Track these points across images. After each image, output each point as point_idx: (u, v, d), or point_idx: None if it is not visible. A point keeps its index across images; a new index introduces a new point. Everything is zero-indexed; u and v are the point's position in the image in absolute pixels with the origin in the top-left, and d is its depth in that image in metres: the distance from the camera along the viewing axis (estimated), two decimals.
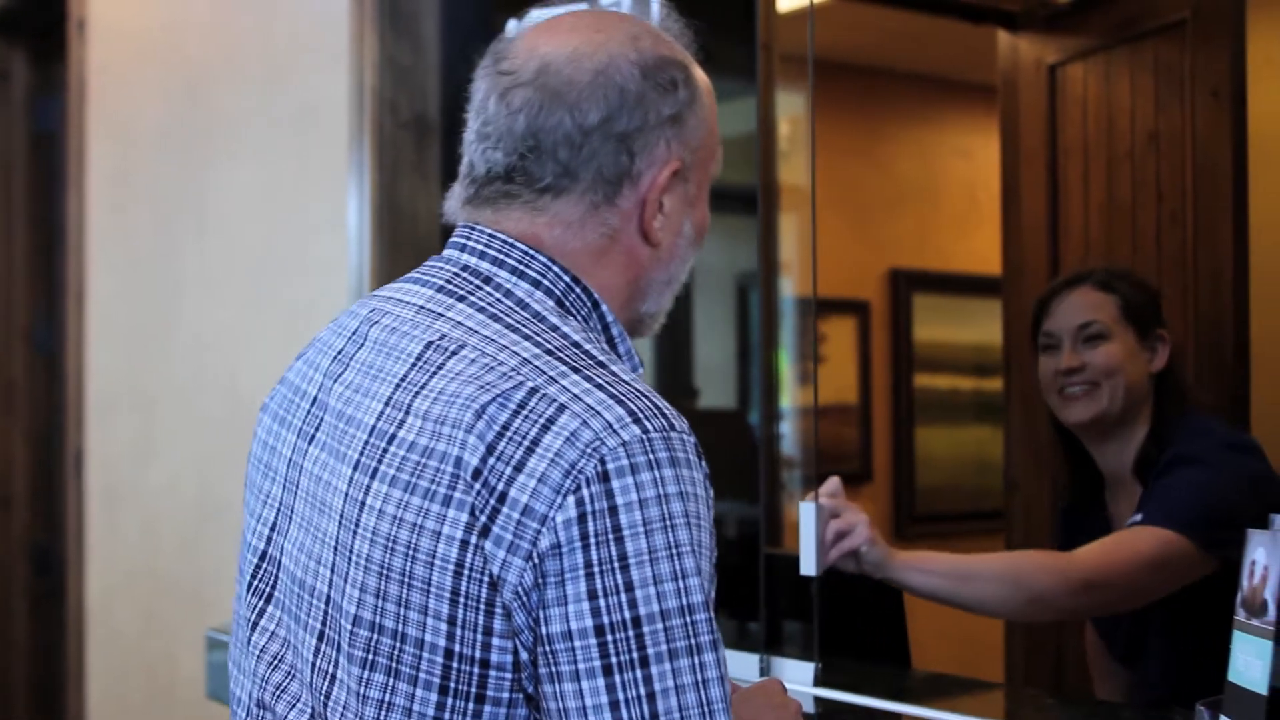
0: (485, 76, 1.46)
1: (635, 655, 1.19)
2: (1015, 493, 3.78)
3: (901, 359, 5.31)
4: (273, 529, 1.45)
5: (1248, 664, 1.49)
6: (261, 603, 1.45)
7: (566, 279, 1.40)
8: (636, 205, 1.42)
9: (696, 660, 1.21)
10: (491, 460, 1.23)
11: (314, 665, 1.34)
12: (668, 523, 1.22)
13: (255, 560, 1.47)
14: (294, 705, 1.38)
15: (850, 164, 5.17)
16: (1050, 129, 3.67)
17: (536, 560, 1.20)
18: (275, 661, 1.42)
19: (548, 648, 1.21)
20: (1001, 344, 3.89)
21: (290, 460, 1.44)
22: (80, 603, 4.75)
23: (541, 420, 1.23)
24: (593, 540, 1.20)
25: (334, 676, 1.31)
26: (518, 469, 1.22)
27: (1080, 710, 2.47)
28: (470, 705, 1.24)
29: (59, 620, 4.89)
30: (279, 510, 1.44)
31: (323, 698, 1.33)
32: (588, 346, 1.33)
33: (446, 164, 3.43)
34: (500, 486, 1.22)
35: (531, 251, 1.40)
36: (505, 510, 1.21)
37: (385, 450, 1.30)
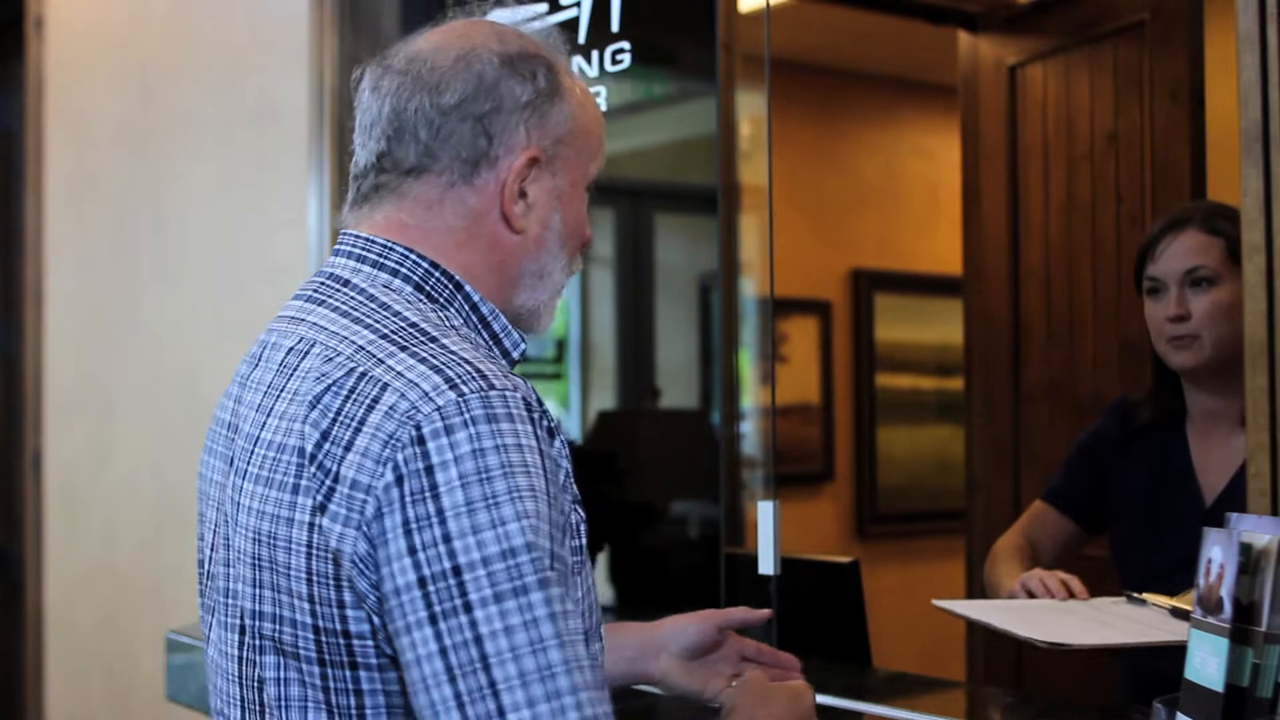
0: (366, 72, 1.55)
1: (458, 602, 1.24)
2: (977, 492, 3.79)
3: (863, 359, 5.32)
4: (211, 548, 1.52)
5: (1204, 661, 1.49)
6: (209, 616, 1.53)
7: (425, 264, 1.47)
8: (497, 188, 1.49)
9: (523, 600, 1.25)
10: (326, 445, 1.32)
11: (240, 658, 1.43)
12: (483, 475, 1.27)
13: (204, 579, 1.55)
14: (233, 704, 1.45)
15: (812, 164, 5.17)
16: (1010, 129, 3.69)
17: (366, 528, 1.28)
18: (215, 668, 1.50)
19: (387, 605, 1.27)
20: (963, 344, 3.90)
21: (217, 483, 1.52)
22: (39, 603, 4.73)
23: (367, 401, 1.31)
24: (409, 499, 1.26)
25: (256, 662, 1.40)
26: (347, 449, 1.30)
27: (1040, 708, 2.47)
28: (347, 673, 1.33)
29: (18, 621, 4.86)
30: (213, 530, 1.52)
31: (254, 685, 1.41)
32: (424, 325, 1.40)
33: None
34: (333, 467, 1.30)
35: (390, 243, 1.48)
36: (339, 488, 1.30)
37: (252, 453, 1.41)
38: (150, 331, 4.25)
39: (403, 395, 1.30)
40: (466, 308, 1.48)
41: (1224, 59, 3.07)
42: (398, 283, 1.46)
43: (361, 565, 1.28)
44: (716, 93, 2.98)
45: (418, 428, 1.28)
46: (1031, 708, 2.54)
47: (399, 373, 1.32)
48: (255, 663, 1.40)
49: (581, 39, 3.00)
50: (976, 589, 3.63)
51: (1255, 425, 1.80)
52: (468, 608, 1.24)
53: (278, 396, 1.40)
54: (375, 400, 1.30)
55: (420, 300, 1.45)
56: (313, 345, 1.40)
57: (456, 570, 1.25)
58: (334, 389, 1.34)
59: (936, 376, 5.35)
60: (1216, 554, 1.50)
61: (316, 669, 1.34)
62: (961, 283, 3.89)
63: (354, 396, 1.32)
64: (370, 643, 1.31)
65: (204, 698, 2.83)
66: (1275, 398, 1.78)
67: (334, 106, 3.49)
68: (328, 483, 1.30)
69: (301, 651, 1.34)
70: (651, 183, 4.00)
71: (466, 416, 1.28)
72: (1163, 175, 3.25)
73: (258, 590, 1.38)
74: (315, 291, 1.49)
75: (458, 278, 1.48)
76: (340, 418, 1.32)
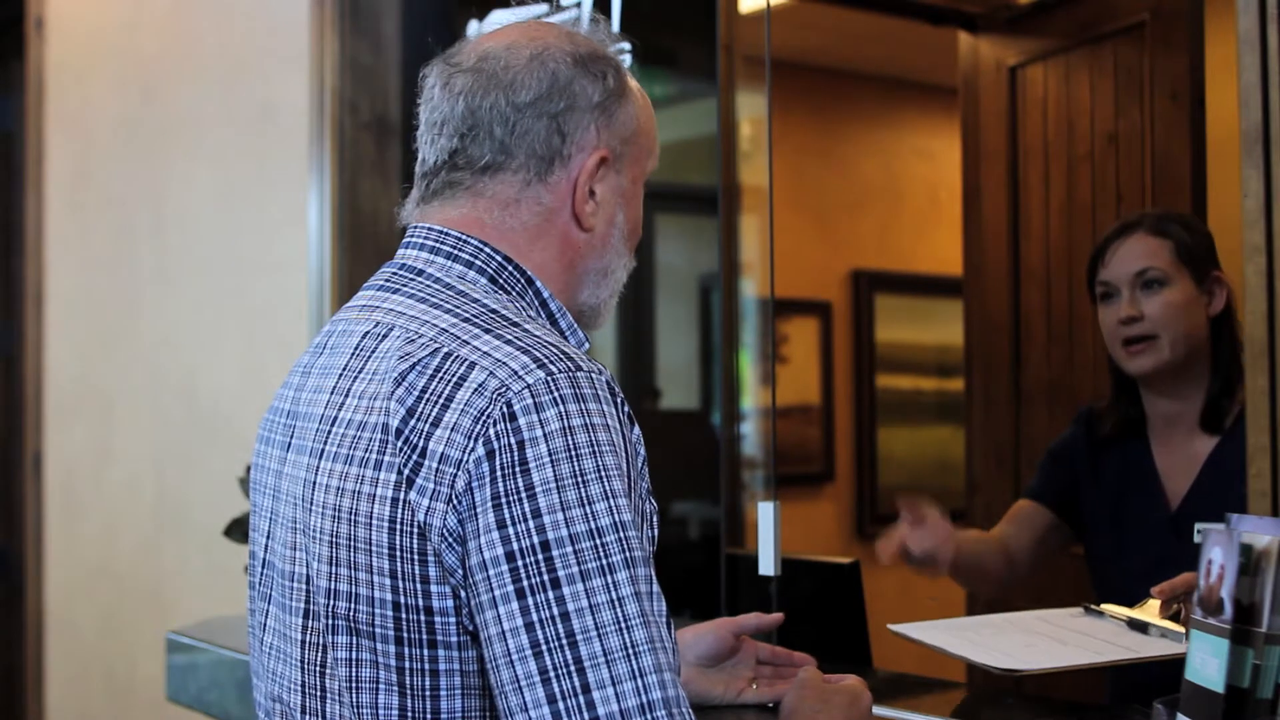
0: (432, 72, 1.57)
1: (545, 578, 1.26)
2: (977, 493, 3.79)
3: (863, 359, 5.32)
4: (267, 536, 1.54)
5: (1204, 662, 1.49)
6: (265, 604, 1.54)
7: (499, 258, 1.50)
8: (569, 187, 1.52)
9: (609, 580, 1.27)
10: (413, 421, 1.33)
11: (304, 642, 1.44)
12: (573, 453, 1.30)
13: (259, 568, 1.56)
14: (294, 690, 1.46)
15: (812, 165, 5.17)
16: (1011, 130, 3.68)
17: (455, 501, 1.30)
18: (275, 653, 1.50)
19: (472, 579, 1.29)
20: (963, 344, 3.90)
21: (274, 471, 1.53)
22: (39, 604, 4.73)
23: (454, 378, 1.33)
24: (500, 474, 1.28)
25: (322, 645, 1.41)
26: (435, 424, 1.32)
27: (1040, 709, 2.47)
28: (425, 651, 1.34)
29: (18, 622, 4.86)
30: (270, 518, 1.53)
31: (318, 669, 1.42)
32: (504, 311, 1.43)
33: (407, 164, 3.42)
34: (420, 442, 1.32)
35: (465, 236, 1.50)
36: (426, 463, 1.31)
37: (329, 433, 1.41)
38: (150, 331, 4.25)
39: (491, 373, 1.32)
40: (537, 303, 1.51)
41: (1224, 59, 3.07)
42: (472, 274, 1.48)
43: (450, 539, 1.30)
44: (717, 93, 2.98)
45: (509, 404, 1.30)
46: (1031, 708, 2.54)
47: (485, 352, 1.34)
48: (321, 645, 1.41)
49: None
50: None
51: (1255, 426, 1.80)
52: (555, 584, 1.26)
53: (355, 377, 1.41)
54: (462, 378, 1.33)
55: (496, 291, 1.48)
56: (391, 329, 1.42)
57: (545, 546, 1.27)
58: (419, 367, 1.35)
59: (936, 377, 5.35)
60: (1217, 555, 1.50)
61: (393, 648, 1.34)
62: (961, 283, 3.89)
63: (440, 374, 1.34)
64: (453, 619, 1.32)
65: (204, 698, 2.83)
66: (1275, 398, 1.78)
67: (334, 107, 3.49)
68: (415, 457, 1.32)
69: (378, 630, 1.35)
70: (652, 183, 4.01)
71: (556, 394, 1.31)
72: (1163, 176, 3.25)
73: (334, 569, 1.38)
74: (388, 281, 1.51)
75: (529, 273, 1.51)
76: (427, 394, 1.33)
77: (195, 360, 4.01)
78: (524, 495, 1.28)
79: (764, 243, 2.95)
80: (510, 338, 1.36)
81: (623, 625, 1.27)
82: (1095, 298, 2.47)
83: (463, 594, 1.31)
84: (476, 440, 1.30)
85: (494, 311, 1.42)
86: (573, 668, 1.25)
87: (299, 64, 3.61)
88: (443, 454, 1.31)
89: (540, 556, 1.27)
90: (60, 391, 4.69)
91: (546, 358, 1.34)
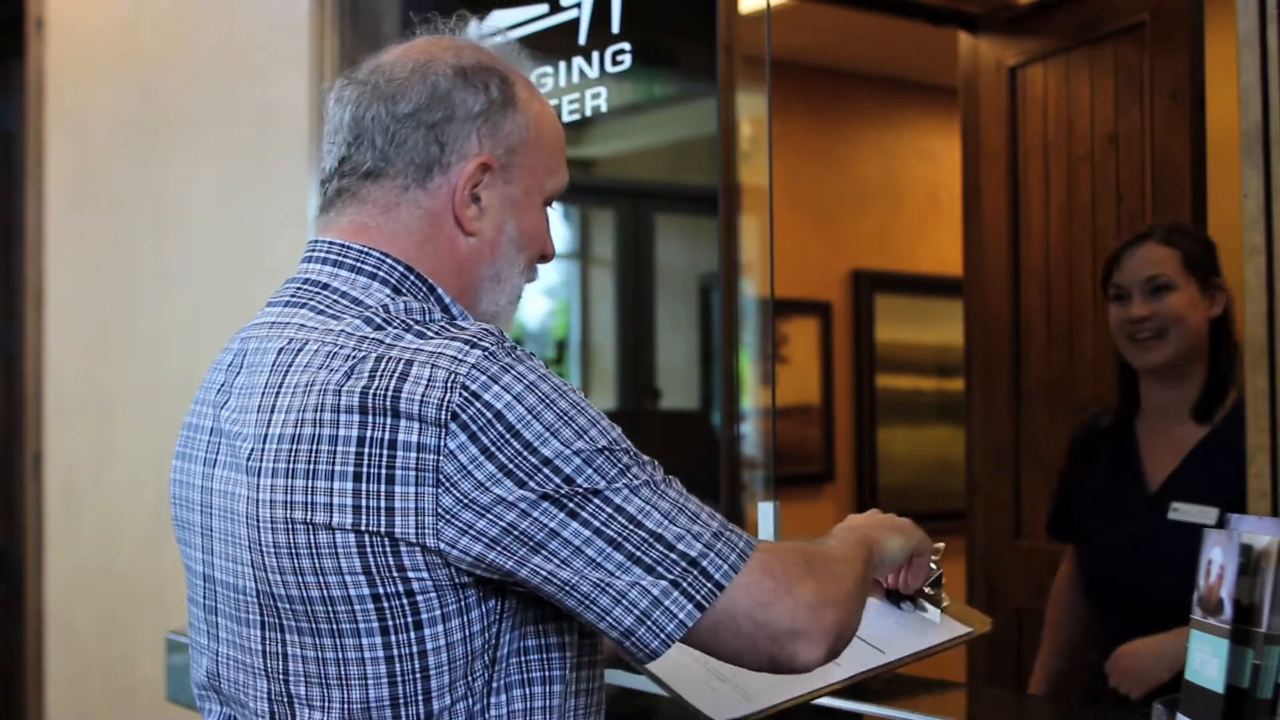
0: (332, 87, 1.64)
1: (586, 494, 1.37)
2: (977, 493, 3.78)
3: (864, 359, 5.32)
4: (206, 552, 1.58)
5: (1204, 662, 1.50)
6: (210, 616, 1.59)
7: (400, 268, 1.55)
8: (449, 193, 1.57)
9: (631, 475, 1.40)
10: (367, 421, 1.37)
11: (265, 651, 1.49)
12: (546, 400, 1.39)
13: (201, 584, 1.60)
14: (259, 698, 1.51)
15: (812, 165, 5.17)
16: (1011, 130, 3.68)
17: (447, 484, 1.36)
18: (226, 661, 1.56)
19: (507, 537, 1.37)
20: (963, 344, 3.90)
21: (201, 487, 1.58)
22: (39, 604, 4.73)
23: (396, 376, 1.38)
24: (494, 447, 1.36)
25: (286, 654, 1.47)
26: (394, 418, 1.37)
27: (1041, 709, 2.48)
28: (412, 635, 1.41)
29: (18, 622, 4.86)
30: (203, 534, 1.58)
31: (282, 677, 1.48)
32: (414, 315, 1.48)
33: None
34: (382, 436, 1.37)
35: (365, 248, 1.56)
36: (400, 454, 1.36)
37: (263, 450, 1.45)
38: (150, 332, 4.25)
39: (433, 365, 1.38)
40: (439, 308, 1.55)
41: (1224, 59, 3.07)
42: (376, 285, 1.54)
43: (446, 515, 1.36)
44: (717, 93, 2.98)
45: (464, 386, 1.37)
46: (1031, 708, 2.54)
47: (417, 348, 1.40)
48: (284, 655, 1.47)
49: (582, 40, 3.00)
50: (977, 589, 3.63)
51: (1255, 426, 1.80)
52: (596, 493, 1.37)
53: (278, 394, 1.45)
54: (404, 375, 1.38)
55: (399, 299, 1.53)
56: (305, 344, 1.47)
57: (569, 480, 1.37)
58: (353, 375, 1.40)
59: (936, 377, 5.35)
60: (1217, 555, 1.50)
61: (379, 639, 1.41)
62: (961, 283, 3.89)
63: (378, 376, 1.39)
64: (434, 595, 1.40)
65: None
66: (1275, 398, 1.78)
67: None
68: (376, 453, 1.37)
69: (361, 625, 1.41)
70: (652, 183, 4.00)
71: (501, 363, 1.39)
72: (1163, 176, 3.25)
73: (300, 577, 1.42)
74: (294, 296, 1.56)
75: (430, 280, 1.56)
76: (373, 396, 1.38)
77: (195, 360, 4.01)
78: (526, 453, 1.36)
79: (764, 243, 2.95)
80: (431, 332, 1.42)
81: (662, 491, 1.40)
82: (1109, 299, 2.71)
83: (442, 571, 1.39)
84: (448, 424, 1.36)
85: (403, 311, 1.48)
86: (649, 538, 1.37)
87: (299, 64, 3.61)
88: (417, 443, 1.36)
89: (571, 487, 1.37)
90: (60, 391, 4.69)
91: (474, 337, 1.41)
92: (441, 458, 1.36)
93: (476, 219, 1.58)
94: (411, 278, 1.55)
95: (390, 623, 1.40)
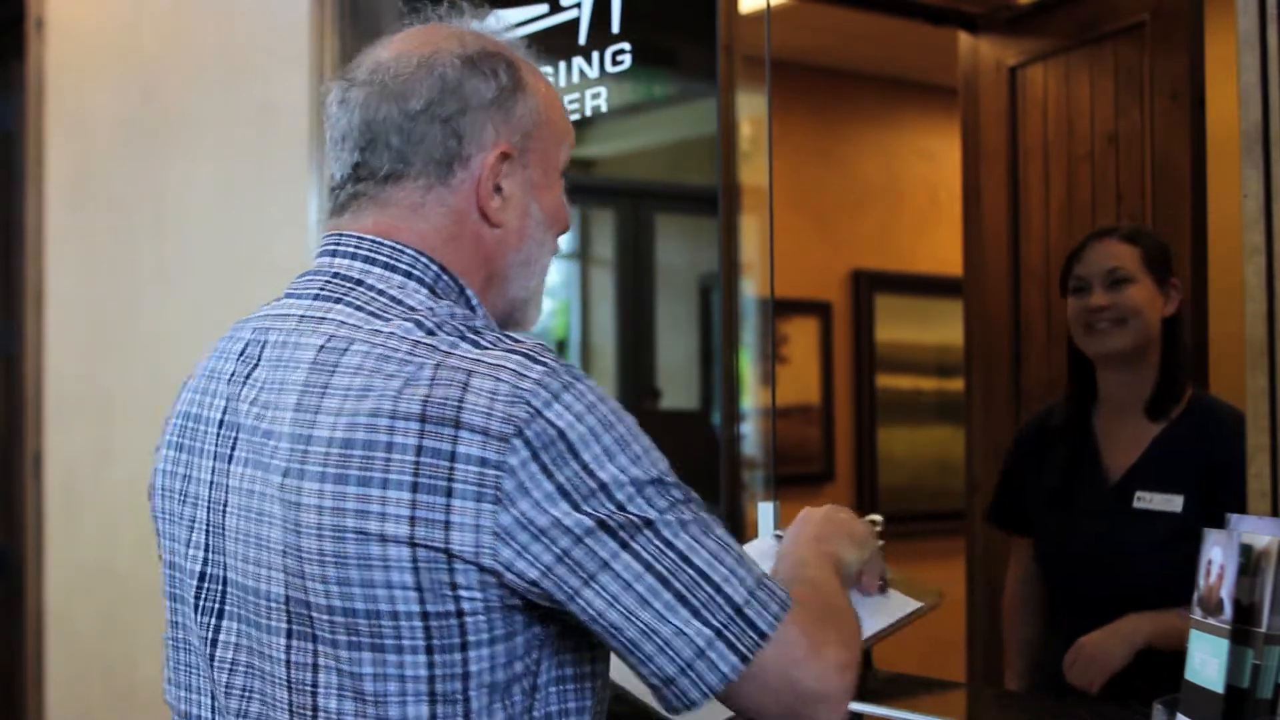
0: (333, 88, 1.58)
1: (638, 525, 1.34)
2: (977, 493, 3.78)
3: (864, 359, 5.32)
4: (207, 550, 1.53)
5: (1204, 662, 1.50)
6: (215, 620, 1.53)
7: (435, 267, 1.51)
8: (473, 186, 1.52)
9: (680, 509, 1.37)
10: (430, 430, 1.33)
11: (289, 661, 1.43)
12: (605, 423, 1.36)
13: (195, 583, 1.56)
14: (279, 706, 1.45)
15: (812, 165, 5.17)
16: (1011, 130, 3.68)
17: (506, 502, 1.32)
18: (233, 667, 1.51)
19: (558, 567, 1.33)
20: (963, 344, 3.90)
21: (210, 483, 1.53)
22: (39, 604, 4.72)
23: (457, 386, 1.34)
24: (553, 466, 1.33)
25: (316, 666, 1.40)
26: (456, 429, 1.32)
27: (1039, 709, 2.48)
28: (457, 655, 1.36)
29: (18, 622, 4.86)
30: (208, 531, 1.53)
31: (308, 689, 1.41)
32: (461, 320, 1.45)
33: None
34: (444, 447, 1.32)
35: (398, 245, 1.50)
36: (460, 467, 1.32)
37: (306, 451, 1.39)
38: (150, 332, 4.25)
39: (495, 378, 1.34)
40: (468, 309, 1.52)
41: (1224, 59, 3.07)
42: (412, 285, 1.49)
43: (504, 536, 1.32)
44: (717, 93, 2.98)
45: (528, 402, 1.33)
46: (1031, 708, 2.54)
47: (475, 359, 1.36)
48: (313, 666, 1.41)
49: (582, 40, 3.00)
50: (977, 589, 3.63)
51: (1255, 426, 1.80)
52: (648, 524, 1.34)
53: (324, 394, 1.39)
54: (466, 385, 1.34)
55: (436, 300, 1.48)
56: (351, 343, 1.42)
57: (621, 507, 1.34)
58: (412, 382, 1.35)
59: (936, 377, 5.34)
60: (1217, 555, 1.50)
61: (422, 657, 1.36)
62: (961, 283, 3.89)
63: (438, 384, 1.34)
64: (483, 617, 1.35)
65: None
66: (1275, 398, 1.78)
67: None
68: (438, 464, 1.33)
69: (406, 643, 1.36)
70: (651, 183, 4.00)
71: (563, 380, 1.36)
72: (1163, 176, 3.25)
73: (345, 589, 1.36)
74: (323, 289, 1.51)
75: (460, 280, 1.52)
76: (433, 405, 1.34)
77: (195, 359, 4.00)
78: (584, 475, 1.33)
79: (764, 243, 2.95)
80: (486, 343, 1.38)
81: (708, 528, 1.37)
82: (1068, 291, 2.79)
83: (495, 592, 1.34)
84: (512, 440, 1.32)
85: (452, 316, 1.44)
86: (697, 576, 1.34)
87: (299, 64, 3.61)
88: (479, 457, 1.32)
89: (624, 515, 1.34)
90: (60, 391, 4.69)
91: (532, 351, 1.37)
92: (503, 474, 1.32)
93: (501, 210, 1.54)
94: (445, 278, 1.51)
95: (437, 642, 1.36)
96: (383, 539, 1.34)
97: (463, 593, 1.34)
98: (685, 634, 1.34)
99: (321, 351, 1.43)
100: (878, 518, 1.88)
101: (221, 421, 1.52)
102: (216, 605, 1.52)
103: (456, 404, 1.33)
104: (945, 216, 4.54)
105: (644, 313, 4.08)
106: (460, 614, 1.35)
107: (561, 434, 1.33)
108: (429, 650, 1.36)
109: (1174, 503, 2.54)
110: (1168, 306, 2.70)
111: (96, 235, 4.52)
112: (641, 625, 1.34)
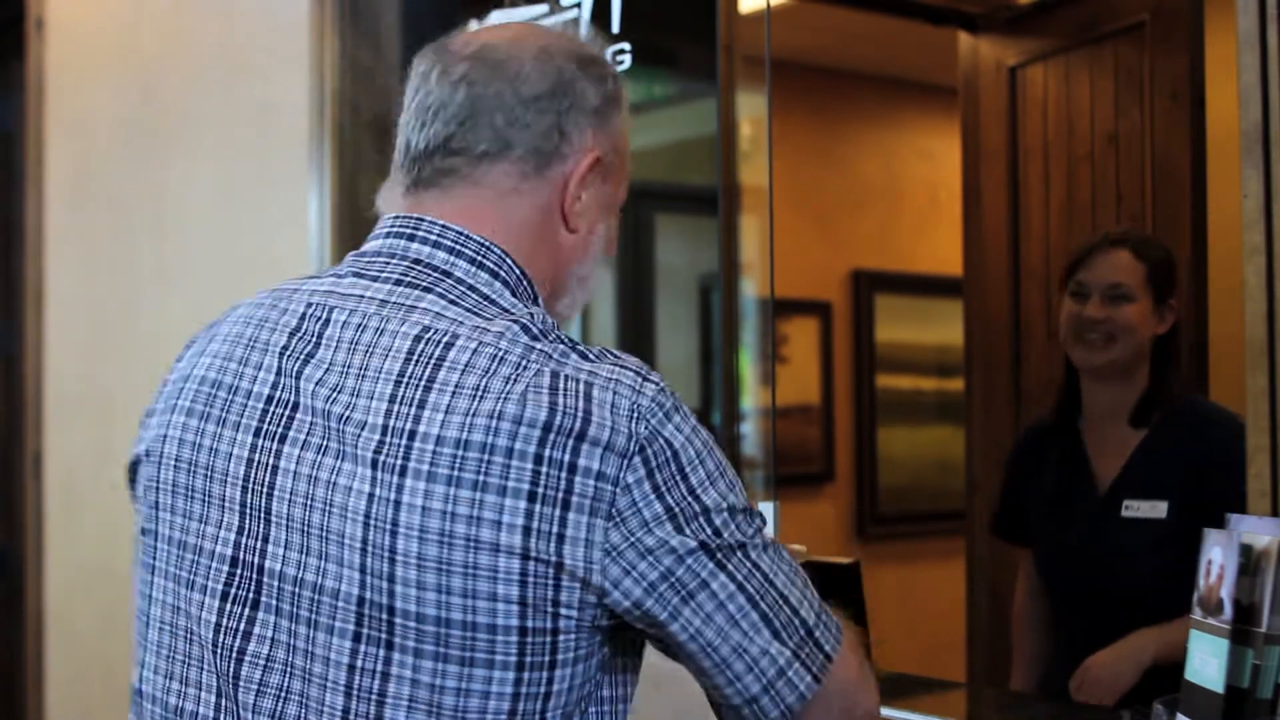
0: (425, 59, 1.54)
1: (732, 548, 1.36)
2: (977, 493, 3.79)
3: (864, 359, 5.32)
4: (240, 533, 1.42)
5: (1204, 662, 1.50)
6: (246, 610, 1.41)
7: (517, 271, 1.47)
8: (562, 185, 1.50)
9: (761, 536, 1.40)
10: (551, 439, 1.30)
11: (353, 666, 1.34)
12: (706, 448, 1.38)
13: (223, 568, 1.43)
14: (331, 713, 1.36)
15: (812, 165, 5.17)
16: (1011, 130, 3.68)
17: (617, 519, 1.31)
18: (267, 664, 1.39)
19: (662, 585, 1.34)
20: (963, 344, 3.90)
21: (248, 460, 1.42)
22: (39, 604, 4.72)
23: (580, 397, 1.32)
24: (665, 487, 1.33)
25: (388, 674, 1.33)
26: (579, 440, 1.30)
27: (1040, 709, 2.48)
28: (544, 674, 1.33)
29: (18, 622, 4.86)
30: (245, 514, 1.42)
31: (374, 697, 1.33)
32: (559, 329, 1.40)
33: None
34: (565, 459, 1.30)
35: (485, 242, 1.46)
36: (579, 480, 1.30)
37: (409, 447, 1.32)
38: (150, 332, 4.25)
39: (615, 392, 1.33)
40: None
41: (1224, 59, 3.07)
42: (498, 285, 1.46)
43: (613, 554, 1.32)
44: (717, 93, 2.98)
45: (646, 421, 1.33)
46: (1031, 708, 2.54)
47: (590, 370, 1.35)
48: (382, 674, 1.33)
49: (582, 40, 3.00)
50: (977, 589, 3.64)
51: (1255, 426, 1.80)
52: (741, 546, 1.37)
53: (425, 388, 1.34)
54: (588, 397, 1.32)
55: (518, 303, 1.45)
56: (455, 338, 1.36)
57: (718, 532, 1.35)
58: (532, 388, 1.32)
59: (936, 377, 5.35)
60: (1217, 555, 1.50)
61: (511, 674, 1.32)
62: (961, 283, 3.89)
63: (560, 393, 1.32)
64: (574, 636, 1.34)
65: None
66: (1275, 398, 1.78)
67: (334, 107, 3.49)
68: (558, 475, 1.30)
69: (498, 658, 1.31)
70: (651, 183, 4.00)
71: (671, 401, 1.36)
72: (1163, 176, 3.25)
73: (445, 597, 1.30)
74: (404, 275, 1.45)
75: (535, 286, 1.49)
76: (559, 413, 1.31)
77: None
78: (690, 498, 1.34)
79: (764, 243, 2.95)
80: (593, 355, 1.37)
81: (779, 552, 1.41)
82: (1066, 293, 2.78)
83: (592, 612, 1.34)
84: (632, 458, 1.32)
85: (554, 329, 1.40)
86: (778, 599, 1.38)
87: (299, 64, 3.60)
88: (598, 471, 1.31)
89: (720, 539, 1.35)
90: (60, 391, 4.69)
91: (639, 368, 1.37)
92: (619, 490, 1.31)
93: (580, 216, 1.52)
94: (525, 283, 1.47)
95: (529, 659, 1.32)
96: (495, 548, 1.30)
97: (563, 609, 1.32)
98: (769, 653, 1.37)
99: (419, 342, 1.37)
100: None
101: (270, 397, 1.43)
102: (249, 595, 1.41)
103: (583, 415, 1.31)
104: (945, 216, 4.54)
105: (644, 313, 4.08)
106: (555, 631, 1.32)
107: (675, 454, 1.34)
108: (520, 667, 1.32)
109: (1159, 509, 2.56)
110: (1160, 325, 2.70)
111: (96, 235, 4.52)
112: (734, 644, 1.36)
